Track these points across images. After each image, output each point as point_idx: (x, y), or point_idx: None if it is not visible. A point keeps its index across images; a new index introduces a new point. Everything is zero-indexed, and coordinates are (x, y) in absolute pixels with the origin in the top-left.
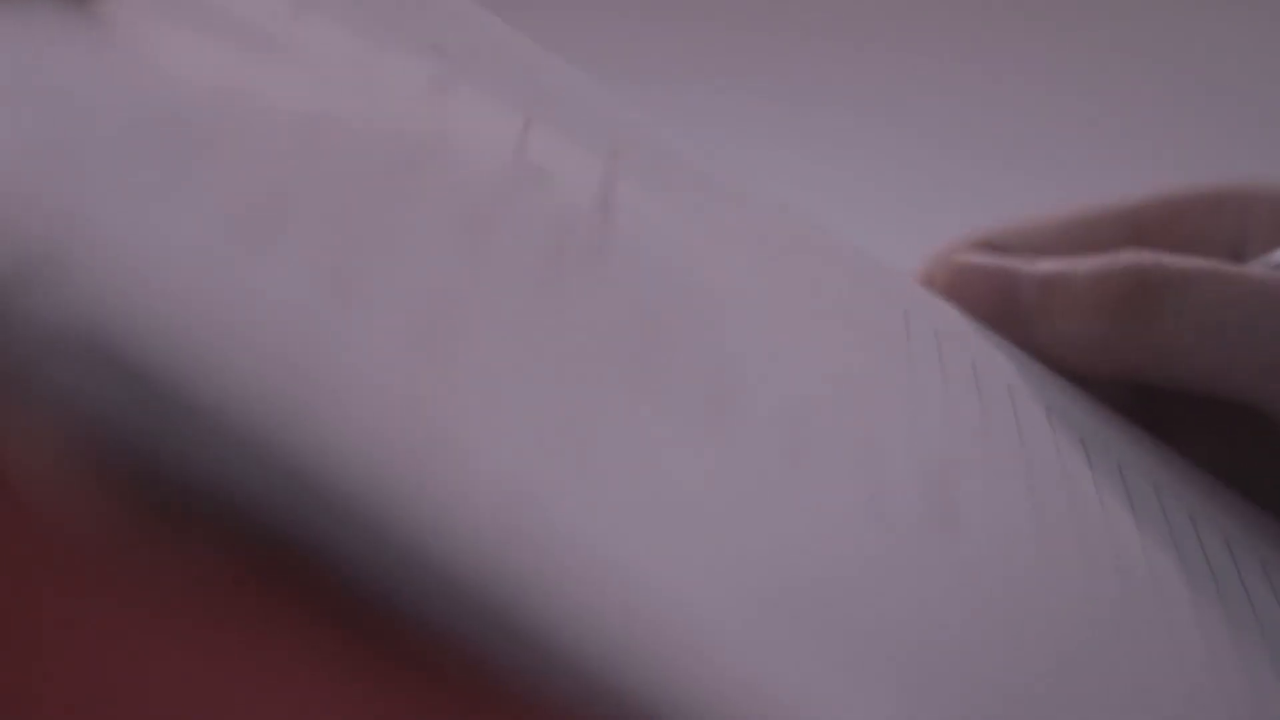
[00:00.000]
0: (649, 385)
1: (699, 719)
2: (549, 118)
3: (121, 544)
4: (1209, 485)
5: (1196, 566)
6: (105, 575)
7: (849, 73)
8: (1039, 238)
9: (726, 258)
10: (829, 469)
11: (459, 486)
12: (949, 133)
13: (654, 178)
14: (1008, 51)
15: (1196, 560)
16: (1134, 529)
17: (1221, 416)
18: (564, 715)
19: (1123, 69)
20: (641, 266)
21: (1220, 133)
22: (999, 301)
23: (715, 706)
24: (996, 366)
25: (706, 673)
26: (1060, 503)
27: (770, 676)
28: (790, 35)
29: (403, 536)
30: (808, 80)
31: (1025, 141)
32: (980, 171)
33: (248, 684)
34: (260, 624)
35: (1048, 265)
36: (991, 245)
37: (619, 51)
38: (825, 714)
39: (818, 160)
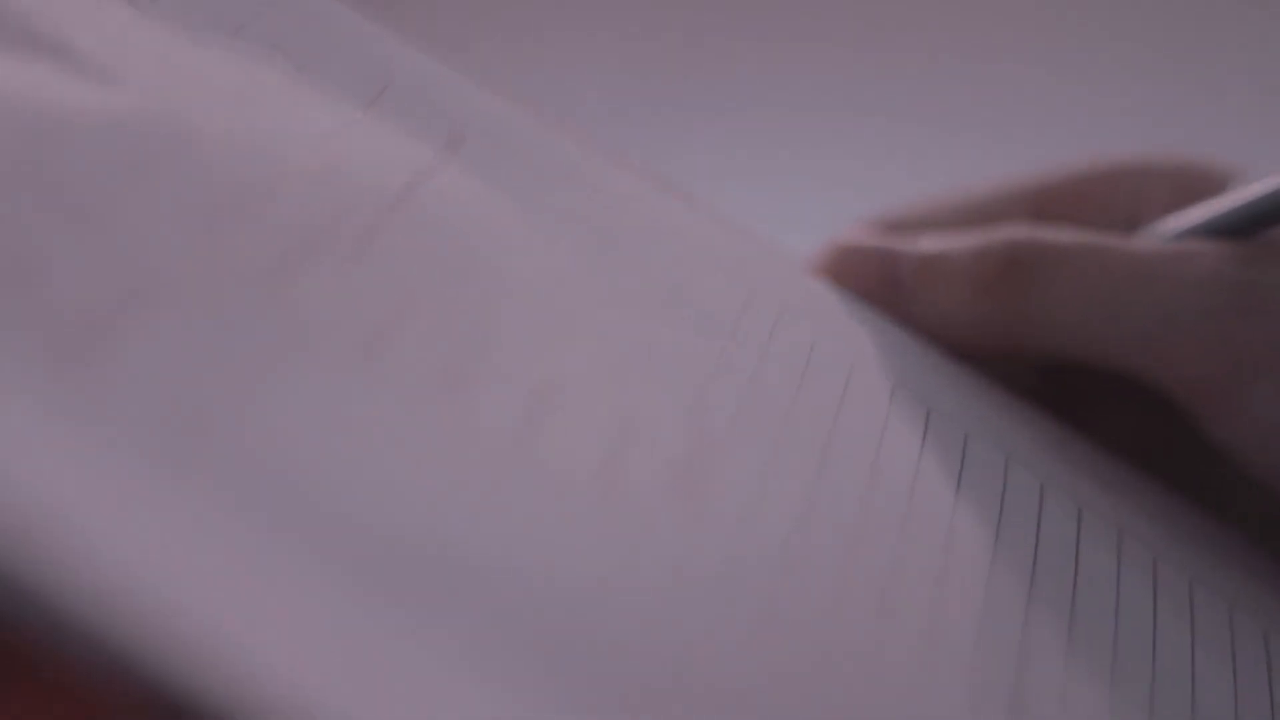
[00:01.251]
0: (369, 369)
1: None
2: (385, 111)
3: None
4: (1088, 457)
5: (1020, 539)
6: None
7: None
8: (939, 217)
9: (543, 244)
10: (566, 445)
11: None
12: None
13: (496, 167)
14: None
15: (1023, 533)
16: (950, 501)
17: (1133, 397)
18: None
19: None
20: (415, 255)
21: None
22: (880, 282)
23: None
24: (845, 345)
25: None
26: (853, 483)
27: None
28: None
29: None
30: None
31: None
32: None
33: None
34: None
35: (928, 244)
36: (890, 226)
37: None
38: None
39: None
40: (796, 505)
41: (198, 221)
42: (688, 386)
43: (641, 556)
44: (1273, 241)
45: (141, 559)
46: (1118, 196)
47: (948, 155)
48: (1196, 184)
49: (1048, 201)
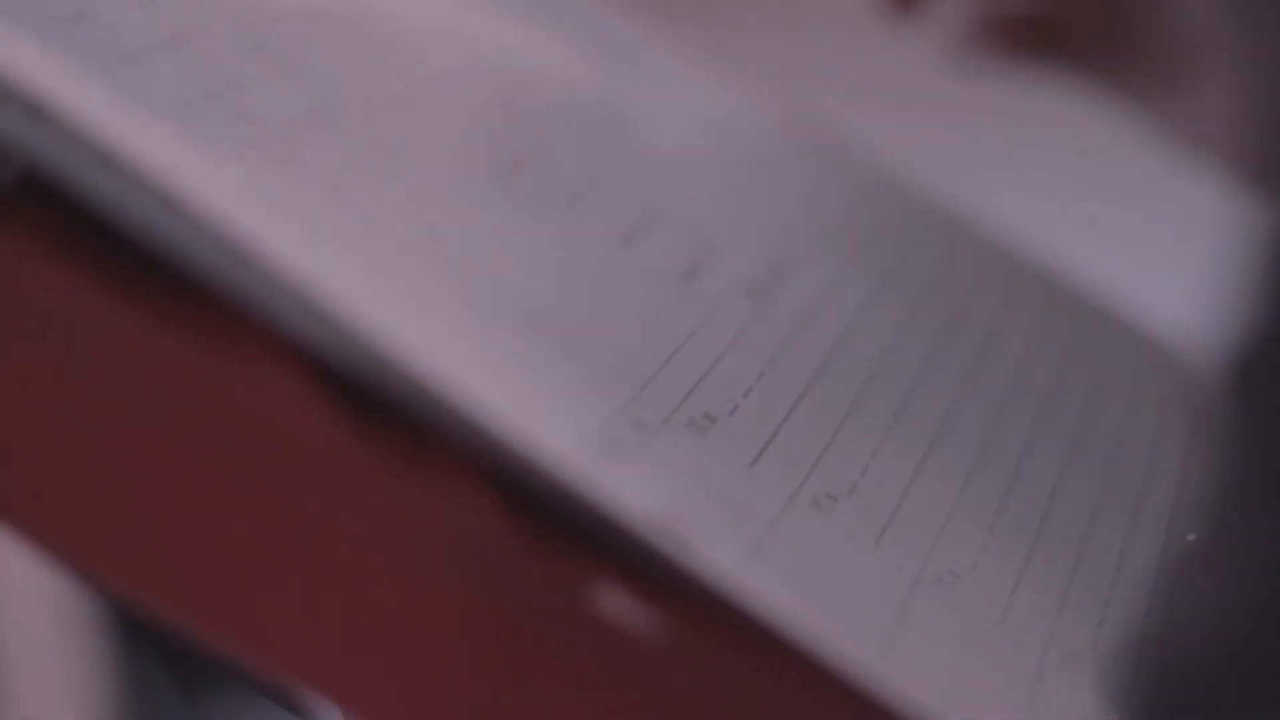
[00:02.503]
0: (500, 188)
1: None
2: (540, 24)
3: None
4: None
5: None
6: None
7: None
8: None
9: (668, 118)
10: (657, 254)
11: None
12: None
13: (635, 76)
14: None
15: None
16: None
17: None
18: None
19: None
20: (554, 114)
21: None
22: None
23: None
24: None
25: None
26: (897, 311)
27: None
28: None
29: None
30: None
31: None
32: None
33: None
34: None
35: None
36: None
37: None
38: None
39: None
40: (847, 322)
41: (363, 65)
42: (771, 228)
43: (708, 332)
44: None
45: (318, 269)
46: None
47: None
48: None
49: None
